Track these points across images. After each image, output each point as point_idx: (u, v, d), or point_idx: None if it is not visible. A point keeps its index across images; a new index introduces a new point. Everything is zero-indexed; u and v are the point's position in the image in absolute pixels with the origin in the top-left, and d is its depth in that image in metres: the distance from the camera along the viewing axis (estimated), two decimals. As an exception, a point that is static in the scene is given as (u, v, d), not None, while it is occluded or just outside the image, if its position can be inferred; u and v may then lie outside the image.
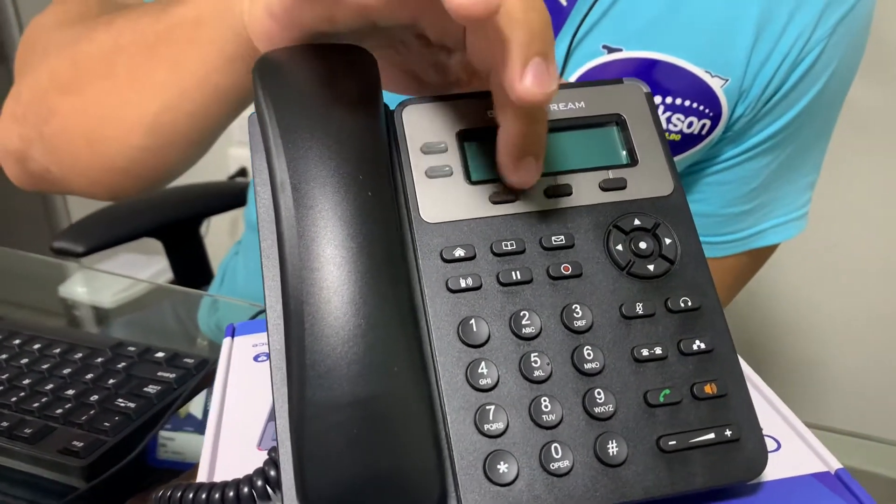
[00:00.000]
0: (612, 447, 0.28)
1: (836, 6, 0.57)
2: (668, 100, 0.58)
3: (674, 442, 0.29)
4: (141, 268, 1.71)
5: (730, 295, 0.70)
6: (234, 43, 0.43)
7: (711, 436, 0.29)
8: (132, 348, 0.54)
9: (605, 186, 0.33)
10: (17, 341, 0.55)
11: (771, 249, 0.68)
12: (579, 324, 0.30)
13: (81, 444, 0.44)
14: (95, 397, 0.48)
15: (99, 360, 0.52)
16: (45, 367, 0.52)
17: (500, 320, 0.30)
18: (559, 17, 0.57)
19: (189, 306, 0.81)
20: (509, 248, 0.31)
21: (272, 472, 0.29)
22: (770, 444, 0.33)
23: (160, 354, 0.53)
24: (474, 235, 0.31)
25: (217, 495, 0.29)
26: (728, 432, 0.29)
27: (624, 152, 0.34)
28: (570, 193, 0.33)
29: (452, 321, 0.30)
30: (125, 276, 0.82)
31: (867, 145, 1.07)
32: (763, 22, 0.57)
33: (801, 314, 1.23)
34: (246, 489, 0.29)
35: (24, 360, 0.53)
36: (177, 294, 0.88)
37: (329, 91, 0.30)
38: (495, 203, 0.32)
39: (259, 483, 0.29)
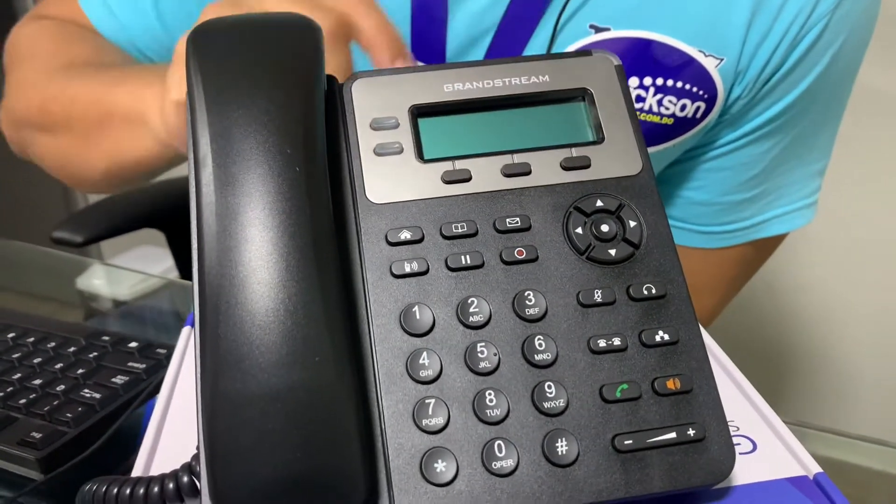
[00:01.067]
0: (562, 445, 0.26)
1: None
2: (660, 81, 0.55)
3: (630, 441, 0.27)
4: (155, 261, 1.71)
5: (734, 287, 0.67)
6: (161, 142, 0.49)
7: (672, 435, 0.27)
8: (107, 337, 0.52)
9: (567, 165, 0.31)
10: (-10, 330, 0.54)
11: (778, 240, 0.65)
12: (531, 312, 0.28)
13: (40, 435, 0.42)
14: (62, 387, 0.47)
15: (71, 349, 0.51)
16: (15, 356, 0.51)
17: (446, 307, 0.28)
18: (543, 0, 0.55)
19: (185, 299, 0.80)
20: (460, 230, 0.29)
21: (185, 479, 0.27)
22: (745, 446, 0.31)
23: (133, 344, 0.51)
24: (423, 217, 0.29)
25: (141, 491, 0.28)
26: (691, 431, 0.27)
27: (589, 129, 0.32)
28: (529, 173, 0.30)
29: (395, 308, 0.28)
30: (135, 271, 0.82)
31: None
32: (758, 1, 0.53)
33: (827, 309, 1.19)
34: (171, 485, 0.27)
35: (-5, 350, 0.52)
36: (177, 287, 0.87)
37: (261, 62, 0.28)
38: (448, 183, 0.30)
39: (185, 479, 0.27)
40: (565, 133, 0.32)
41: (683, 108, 0.56)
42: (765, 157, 0.59)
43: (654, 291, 0.29)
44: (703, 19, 0.54)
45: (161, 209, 1.03)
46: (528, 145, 0.31)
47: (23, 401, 0.46)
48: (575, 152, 0.31)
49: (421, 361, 0.27)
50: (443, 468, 0.26)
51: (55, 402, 0.46)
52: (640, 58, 0.55)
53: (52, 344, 0.52)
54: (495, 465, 0.26)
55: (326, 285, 0.25)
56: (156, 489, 0.27)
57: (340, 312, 0.26)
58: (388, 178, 0.30)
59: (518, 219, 0.29)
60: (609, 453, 0.26)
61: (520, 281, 0.29)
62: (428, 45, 0.57)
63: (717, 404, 0.28)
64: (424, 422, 0.26)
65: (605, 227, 0.30)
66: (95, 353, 0.50)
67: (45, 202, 1.96)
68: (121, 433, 0.46)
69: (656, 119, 0.56)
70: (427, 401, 0.27)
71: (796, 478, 0.29)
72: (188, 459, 0.29)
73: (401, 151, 0.30)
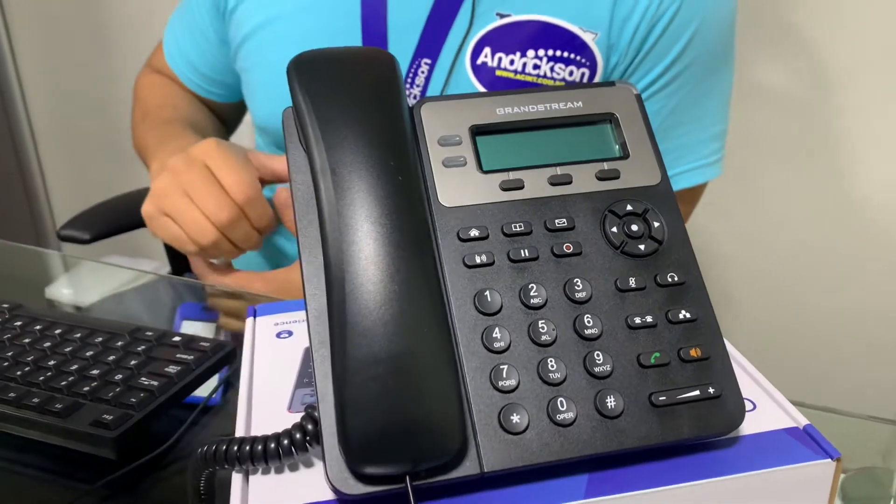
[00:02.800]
0: (611, 401, 0.32)
1: None
2: (550, 52, 0.71)
3: (664, 398, 0.33)
4: (107, 276, 1.72)
5: None
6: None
7: (696, 393, 0.33)
8: (150, 333, 0.57)
9: (601, 176, 0.37)
10: (38, 327, 0.58)
11: (695, 193, 0.81)
12: (580, 295, 0.34)
13: (111, 416, 0.47)
14: (119, 377, 0.51)
15: (119, 343, 0.55)
16: (67, 350, 0.55)
17: (510, 292, 0.34)
18: None
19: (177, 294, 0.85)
20: (518, 229, 0.35)
21: (310, 426, 0.33)
22: (747, 406, 0.37)
23: (177, 339, 0.56)
24: (487, 218, 0.35)
25: (259, 447, 0.33)
26: (711, 390, 0.34)
27: (617, 146, 0.38)
28: (571, 182, 0.37)
29: (469, 292, 0.34)
30: (129, 268, 0.85)
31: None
32: None
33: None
34: (286, 441, 0.33)
35: (47, 344, 0.55)
36: (176, 283, 0.91)
37: (359, 87, 0.34)
38: (505, 190, 0.36)
39: (298, 436, 0.33)
40: (597, 150, 0.38)
41: (571, 73, 0.72)
42: (656, 118, 0.72)
43: (676, 279, 0.35)
44: (579, 2, 0.70)
45: None
46: (568, 159, 0.37)
47: (86, 388, 0.50)
48: (606, 166, 0.37)
49: (494, 335, 0.33)
50: (517, 420, 0.32)
51: (117, 390, 0.50)
52: (535, 35, 0.71)
53: (100, 339, 0.56)
54: (558, 417, 0.32)
55: (428, 271, 0.31)
56: (272, 445, 0.33)
57: (439, 293, 0.32)
58: (456, 185, 0.36)
59: (564, 220, 0.36)
60: (647, 408, 0.33)
61: (568, 270, 0.35)
62: (374, 28, 0.76)
63: (730, 369, 0.34)
64: (500, 383, 0.32)
65: (634, 227, 0.36)
66: (143, 347, 0.55)
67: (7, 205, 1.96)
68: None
69: (550, 83, 0.72)
70: (501, 366, 0.33)
71: (790, 428, 0.36)
72: (278, 427, 0.34)
73: (464, 164, 0.37)
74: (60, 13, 1.75)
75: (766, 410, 0.37)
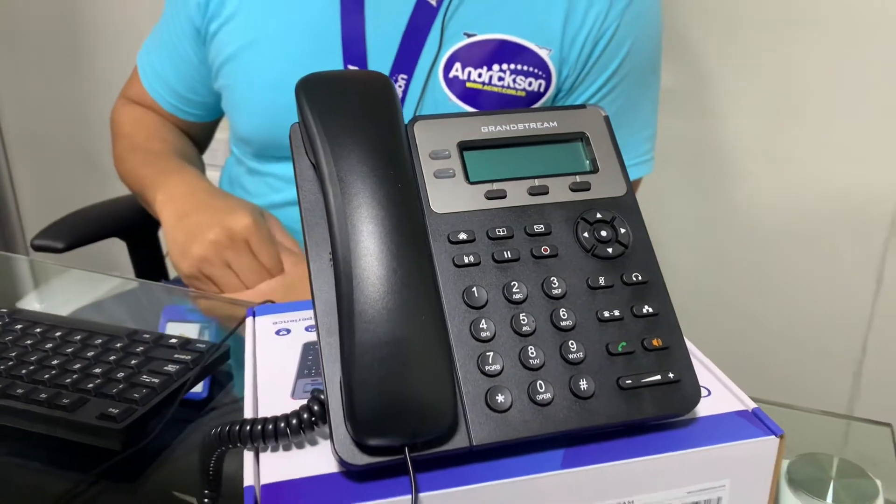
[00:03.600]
0: (583, 384, 0.37)
1: None
2: (513, 66, 0.82)
3: (629, 381, 0.37)
4: (81, 290, 1.74)
5: None
6: (153, 212, 0.89)
7: (658, 377, 0.38)
8: (147, 335, 0.60)
9: (574, 188, 0.42)
10: (38, 329, 0.61)
11: (635, 185, 0.88)
12: (556, 292, 0.39)
13: (117, 410, 0.50)
14: (121, 374, 0.55)
15: (118, 345, 0.59)
16: (69, 350, 0.58)
17: (495, 288, 0.38)
18: (431, 15, 0.81)
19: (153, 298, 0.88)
20: (501, 233, 0.40)
21: (315, 408, 0.36)
22: (703, 392, 0.42)
23: (173, 340, 0.59)
24: (474, 223, 0.40)
25: (270, 426, 0.36)
26: (671, 375, 0.38)
27: (587, 162, 0.43)
28: (547, 192, 0.41)
29: (458, 289, 0.38)
30: (109, 274, 0.88)
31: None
32: (570, 7, 0.82)
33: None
34: (294, 421, 0.36)
35: (49, 346, 0.58)
36: (154, 288, 0.94)
37: (361, 106, 0.38)
38: (489, 199, 0.41)
39: (305, 416, 0.36)
40: (570, 164, 0.43)
41: (530, 84, 0.82)
42: None
43: (640, 278, 0.40)
44: (534, 23, 0.81)
45: (124, 221, 1.12)
46: (545, 172, 0.42)
47: (90, 385, 0.53)
48: (578, 179, 0.42)
49: (481, 326, 0.37)
50: (501, 400, 0.36)
51: (121, 386, 0.53)
52: (499, 51, 0.81)
53: (99, 341, 0.59)
54: (538, 397, 0.36)
55: (424, 267, 0.35)
56: (282, 424, 0.36)
57: (433, 287, 0.36)
58: (446, 194, 0.40)
59: (542, 226, 0.40)
60: (615, 390, 0.37)
61: (546, 270, 0.39)
62: (354, 48, 0.83)
63: (687, 357, 0.39)
64: (486, 368, 0.36)
65: (603, 233, 0.41)
66: (141, 348, 0.58)
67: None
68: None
69: (513, 92, 0.83)
70: (487, 353, 0.37)
71: (740, 411, 0.40)
72: (283, 411, 0.38)
73: (453, 175, 0.41)
74: (30, 21, 1.76)
75: (720, 396, 0.42)
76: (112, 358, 0.57)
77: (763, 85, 1.20)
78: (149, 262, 1.12)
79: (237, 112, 0.91)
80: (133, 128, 0.99)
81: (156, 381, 0.54)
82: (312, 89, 0.39)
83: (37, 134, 1.90)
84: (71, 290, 0.88)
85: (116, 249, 1.12)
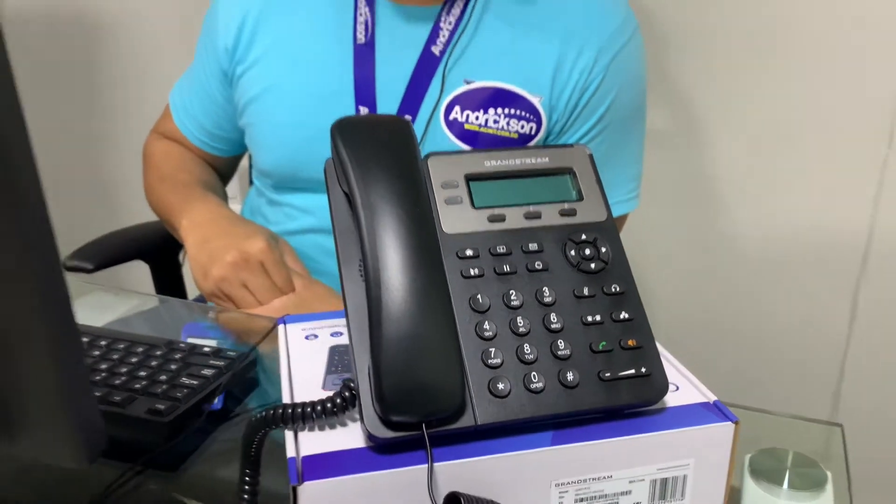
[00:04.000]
0: (570, 376, 0.44)
1: (608, 50, 0.91)
2: (507, 111, 0.90)
3: (608, 374, 0.45)
4: (107, 306, 1.81)
5: None
6: (179, 237, 0.98)
7: (632, 371, 0.45)
8: (183, 345, 0.67)
9: (563, 213, 0.50)
10: (85, 339, 0.68)
11: (621, 220, 1.01)
12: (548, 300, 0.46)
13: (163, 406, 0.57)
14: (163, 377, 0.62)
15: (158, 353, 0.66)
16: (115, 357, 0.65)
17: (496, 296, 0.46)
18: (434, 64, 0.90)
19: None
20: (501, 251, 0.47)
21: (346, 394, 0.44)
22: (672, 388, 0.49)
23: (207, 349, 0.67)
24: (478, 242, 0.47)
25: (309, 409, 0.44)
26: (643, 370, 0.46)
27: (574, 192, 0.51)
28: (540, 217, 0.49)
29: (465, 296, 0.46)
30: (135, 291, 0.96)
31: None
32: (560, 60, 0.90)
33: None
34: (329, 404, 0.44)
35: (97, 353, 0.65)
36: (175, 305, 1.01)
37: (386, 144, 0.46)
38: (491, 221, 0.48)
39: (338, 401, 0.44)
40: (560, 194, 0.51)
41: (522, 127, 0.91)
42: None
43: (618, 289, 0.48)
44: (527, 73, 0.90)
45: (147, 245, 1.20)
46: (538, 200, 0.50)
47: (137, 386, 0.60)
48: (567, 206, 0.50)
49: (484, 327, 0.45)
50: (502, 387, 0.43)
51: (164, 387, 0.60)
52: (495, 97, 0.90)
53: (140, 349, 0.66)
54: (532, 386, 0.44)
55: (437, 277, 0.43)
56: (318, 408, 0.44)
57: (445, 294, 0.43)
58: (455, 217, 0.48)
59: (536, 245, 0.48)
60: (597, 381, 0.45)
61: (539, 282, 0.47)
62: (364, 91, 0.92)
63: (657, 356, 0.46)
64: (489, 361, 0.44)
65: (587, 251, 0.48)
66: (179, 356, 0.66)
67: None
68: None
69: (507, 134, 0.91)
70: (490, 349, 0.44)
71: (703, 402, 0.48)
72: (316, 397, 0.45)
73: (461, 202, 0.49)
74: (49, 50, 1.85)
75: (686, 391, 0.49)
76: (154, 364, 0.64)
77: (745, 124, 1.29)
78: (169, 282, 1.19)
79: (259, 148, 0.99)
80: (163, 160, 1.08)
81: (195, 382, 0.61)
82: (346, 130, 0.47)
83: (62, 166, 1.99)
84: (101, 306, 0.95)
85: (140, 271, 1.19)
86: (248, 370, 0.67)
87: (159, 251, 1.17)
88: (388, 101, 0.91)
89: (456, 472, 0.42)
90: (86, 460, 0.36)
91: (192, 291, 1.17)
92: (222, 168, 1.13)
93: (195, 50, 1.05)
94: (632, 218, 1.03)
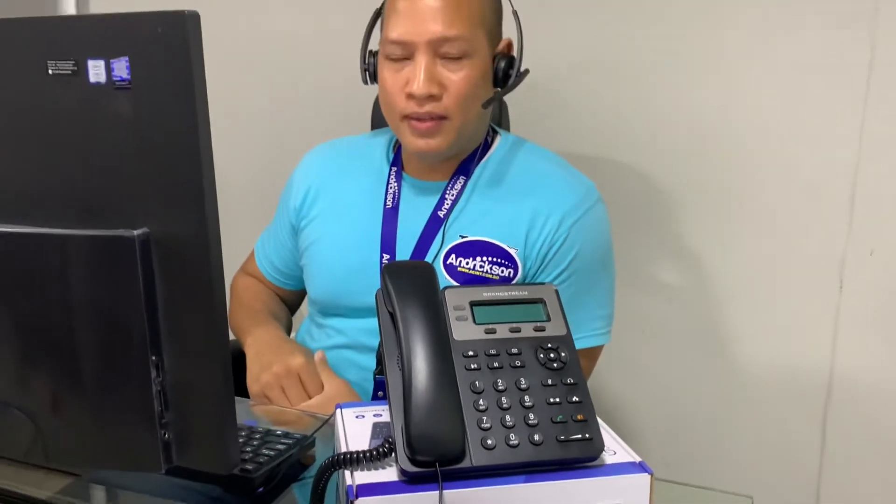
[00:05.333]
0: (537, 437, 0.66)
1: (570, 215, 1.16)
2: (490, 258, 1.16)
3: (563, 437, 0.67)
4: None
5: None
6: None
7: (580, 436, 0.67)
8: (261, 429, 0.90)
9: (536, 329, 0.73)
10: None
11: (593, 352, 1.21)
12: (523, 386, 0.69)
13: (251, 467, 0.79)
14: (249, 449, 0.84)
15: (243, 433, 0.88)
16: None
17: (488, 383, 0.69)
18: (439, 223, 1.18)
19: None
20: (493, 353, 0.70)
21: (385, 447, 0.66)
22: (610, 452, 0.70)
23: (279, 432, 0.89)
24: (478, 347, 0.71)
25: (361, 456, 0.66)
26: (587, 435, 0.67)
27: (544, 314, 0.74)
28: (521, 331, 0.73)
29: (467, 382, 0.68)
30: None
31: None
32: (531, 221, 1.15)
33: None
34: (374, 453, 0.66)
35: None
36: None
37: (418, 281, 0.71)
38: (487, 333, 0.72)
39: (381, 450, 0.66)
40: (534, 315, 0.74)
41: (502, 271, 1.15)
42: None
43: (572, 381, 0.70)
44: (506, 230, 1.16)
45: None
46: (519, 319, 0.73)
47: (230, 454, 0.83)
48: (539, 324, 0.73)
49: (479, 403, 0.67)
50: (490, 442, 0.65)
51: (251, 455, 0.83)
52: (481, 248, 1.16)
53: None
54: (510, 442, 0.65)
55: (449, 369, 0.66)
56: (374, 453, 0.65)
57: (454, 380, 0.66)
58: (462, 330, 0.72)
59: (517, 349, 0.71)
60: (556, 442, 0.66)
61: (518, 374, 0.70)
62: (388, 241, 1.19)
63: (598, 427, 0.68)
64: (482, 424, 0.66)
65: (552, 355, 0.71)
66: (258, 435, 0.88)
67: None
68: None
69: (490, 276, 1.16)
70: (482, 417, 0.66)
71: (631, 462, 0.69)
72: (363, 447, 0.67)
73: (467, 319, 0.72)
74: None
75: (620, 454, 0.70)
76: (241, 440, 0.86)
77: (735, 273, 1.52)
78: (237, 384, 1.44)
79: (311, 281, 1.26)
80: (244, 292, 1.39)
81: (271, 453, 0.83)
82: (392, 271, 0.72)
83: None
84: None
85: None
86: (308, 448, 0.89)
87: (234, 361, 1.43)
88: (404, 250, 1.20)
89: (459, 497, 0.63)
90: (229, 469, 0.58)
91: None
92: (289, 298, 1.42)
93: (275, 213, 1.38)
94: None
